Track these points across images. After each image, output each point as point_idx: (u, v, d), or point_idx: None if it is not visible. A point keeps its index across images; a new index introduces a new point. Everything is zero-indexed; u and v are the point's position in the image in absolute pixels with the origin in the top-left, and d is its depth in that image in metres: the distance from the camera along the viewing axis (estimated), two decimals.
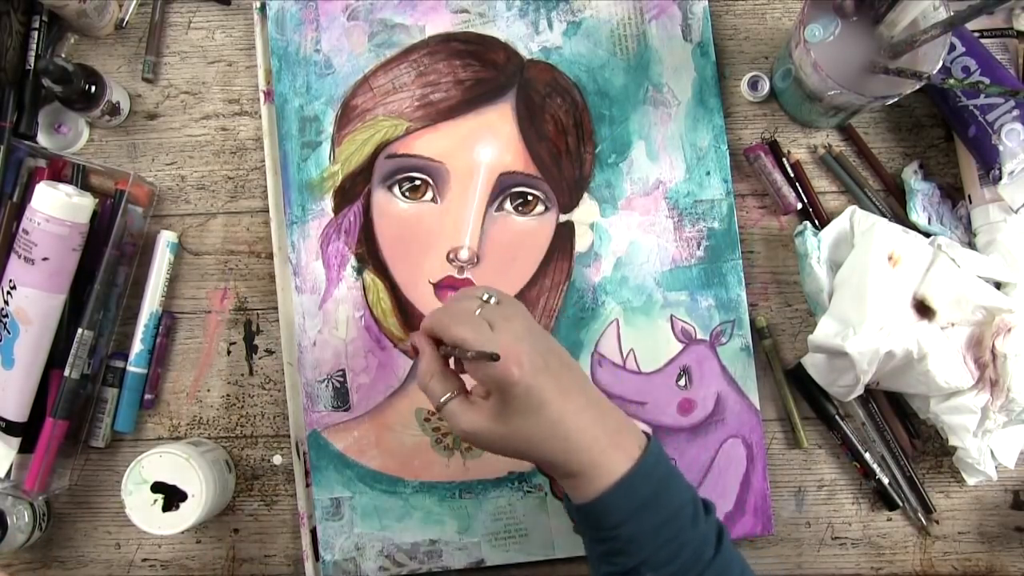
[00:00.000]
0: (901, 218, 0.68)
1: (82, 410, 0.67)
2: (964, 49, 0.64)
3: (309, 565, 0.67)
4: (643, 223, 0.69)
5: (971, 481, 0.65)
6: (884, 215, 0.68)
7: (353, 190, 0.69)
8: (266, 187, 0.70)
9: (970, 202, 0.67)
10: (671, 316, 0.68)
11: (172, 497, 0.63)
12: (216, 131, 0.71)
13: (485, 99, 0.69)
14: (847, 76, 0.60)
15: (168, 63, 0.72)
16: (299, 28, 0.70)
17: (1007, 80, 0.64)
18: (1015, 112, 0.62)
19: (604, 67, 0.70)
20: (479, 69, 0.69)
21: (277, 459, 0.69)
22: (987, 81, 0.58)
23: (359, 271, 0.68)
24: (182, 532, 0.63)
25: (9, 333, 0.64)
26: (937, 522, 0.69)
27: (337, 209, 0.69)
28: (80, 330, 0.65)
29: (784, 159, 0.70)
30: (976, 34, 0.67)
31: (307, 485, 0.68)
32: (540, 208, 0.69)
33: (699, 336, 0.68)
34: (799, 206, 0.69)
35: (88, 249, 0.66)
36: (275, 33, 0.70)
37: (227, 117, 0.72)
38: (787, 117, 0.71)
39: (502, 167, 0.68)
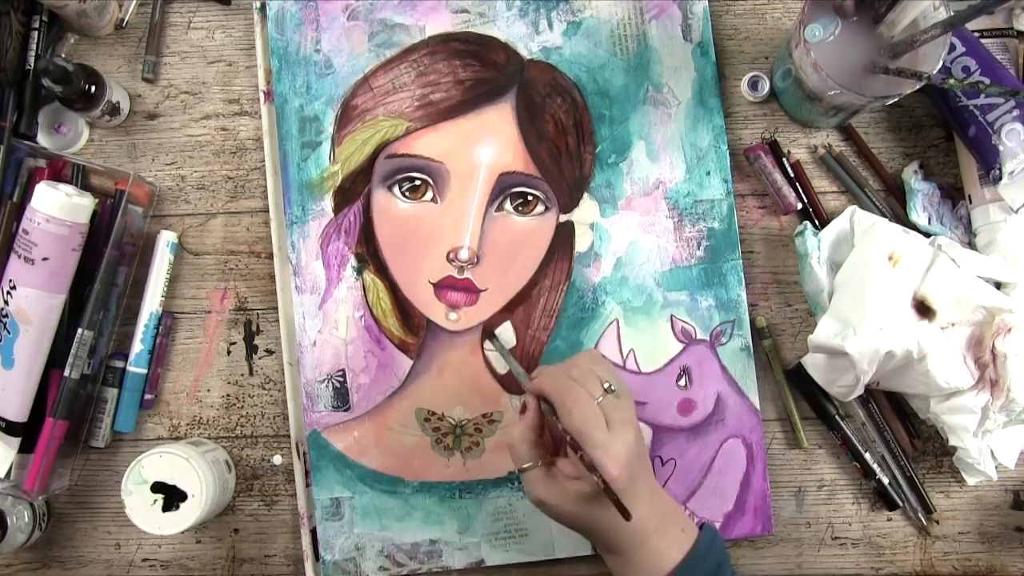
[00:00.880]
0: (901, 218, 0.68)
1: (82, 410, 0.67)
2: (964, 49, 0.64)
3: (309, 565, 0.67)
4: (643, 223, 0.69)
5: (971, 481, 0.65)
6: (884, 215, 0.68)
7: (353, 190, 0.69)
8: (266, 187, 0.70)
9: (970, 202, 0.67)
10: (671, 316, 0.68)
11: (172, 497, 0.63)
12: (216, 131, 0.71)
13: (485, 99, 0.69)
14: (847, 76, 0.60)
15: (168, 63, 0.72)
16: (299, 28, 0.70)
17: (1007, 80, 0.64)
18: (1015, 112, 0.62)
19: (604, 67, 0.70)
20: (479, 69, 0.69)
21: (277, 459, 0.69)
22: (987, 81, 0.58)
23: (359, 271, 0.68)
24: (182, 532, 0.63)
25: (9, 333, 0.64)
26: (937, 522, 0.69)
27: (337, 209, 0.69)
28: (80, 330, 0.65)
29: (784, 159, 0.70)
30: (976, 34, 0.67)
31: (307, 485, 0.68)
32: (540, 208, 0.69)
33: (699, 336, 0.68)
34: (799, 206, 0.69)
35: (88, 249, 0.66)
36: (275, 33, 0.70)
37: (227, 117, 0.72)
38: (787, 117, 0.71)
39: (502, 167, 0.68)
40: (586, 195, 0.69)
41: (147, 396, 0.69)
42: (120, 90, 0.70)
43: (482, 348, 0.68)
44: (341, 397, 0.68)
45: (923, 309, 0.62)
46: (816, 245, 0.66)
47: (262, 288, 0.70)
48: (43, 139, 0.70)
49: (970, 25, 0.62)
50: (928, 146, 0.70)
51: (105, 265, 0.66)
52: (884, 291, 0.61)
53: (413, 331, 0.68)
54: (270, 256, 0.70)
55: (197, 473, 0.62)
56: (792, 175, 0.69)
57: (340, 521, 0.67)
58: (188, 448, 0.64)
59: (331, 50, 0.70)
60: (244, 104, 0.72)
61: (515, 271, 0.68)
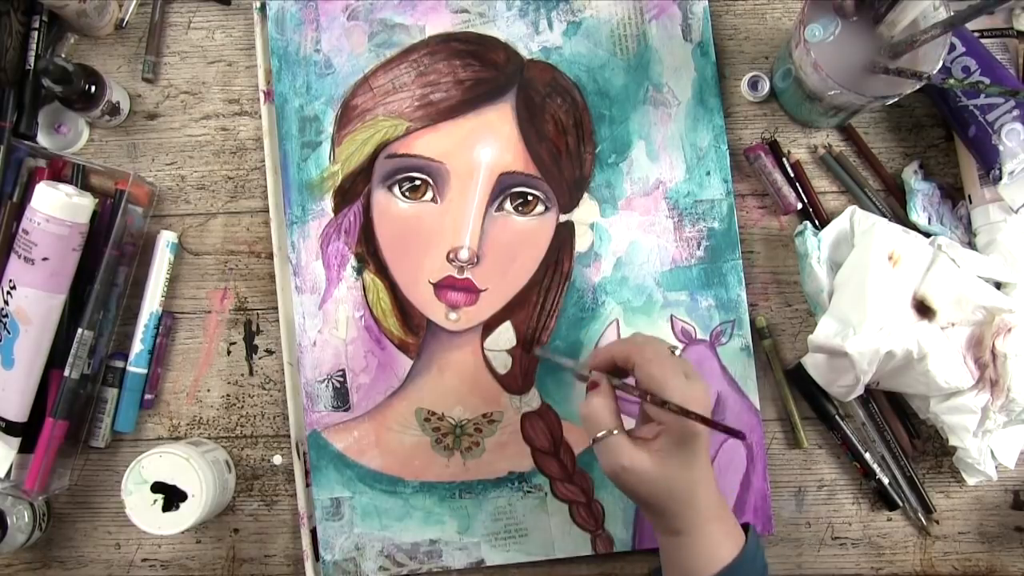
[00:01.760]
0: (901, 218, 0.68)
1: (82, 410, 0.67)
2: (964, 49, 0.64)
3: (309, 565, 0.67)
4: (643, 223, 0.69)
5: (971, 481, 0.65)
6: (884, 215, 0.68)
7: (353, 190, 0.69)
8: (266, 187, 0.70)
9: (970, 202, 0.67)
10: (671, 316, 0.68)
11: (172, 497, 0.63)
12: (216, 131, 0.71)
13: (485, 99, 0.69)
14: (847, 76, 0.60)
15: (168, 63, 0.72)
16: (299, 28, 0.70)
17: (1007, 80, 0.64)
18: (1015, 112, 0.62)
19: (604, 67, 0.70)
20: (479, 69, 0.69)
21: (277, 459, 0.69)
22: (987, 81, 0.58)
23: (359, 271, 0.68)
24: (182, 532, 0.63)
25: (9, 333, 0.64)
26: (937, 522, 0.69)
27: (337, 209, 0.69)
28: (80, 330, 0.65)
29: (784, 159, 0.70)
30: (976, 34, 0.67)
31: (307, 485, 0.68)
32: (540, 208, 0.69)
33: (699, 336, 0.68)
34: (799, 206, 0.69)
35: (88, 249, 0.66)
36: (275, 33, 0.70)
37: (227, 117, 0.72)
38: (787, 117, 0.71)
39: (502, 167, 0.68)
40: (586, 195, 0.69)
41: (147, 396, 0.69)
42: (120, 90, 0.70)
43: (482, 348, 0.68)
44: (341, 397, 0.68)
45: (923, 309, 0.62)
46: (816, 245, 0.66)
47: (262, 288, 0.70)
48: (43, 139, 0.70)
49: (970, 25, 0.62)
50: (928, 146, 0.70)
51: (105, 265, 0.66)
52: (884, 291, 0.61)
53: (413, 331, 0.68)
54: (270, 256, 0.70)
55: (197, 473, 0.62)
56: (792, 175, 0.69)
57: (340, 521, 0.67)
58: (188, 448, 0.64)
59: (331, 50, 0.70)
60: (244, 104, 0.72)
61: (515, 271, 0.68)
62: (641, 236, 0.69)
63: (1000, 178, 0.63)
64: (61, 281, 0.65)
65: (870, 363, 0.61)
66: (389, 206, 0.69)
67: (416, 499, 0.67)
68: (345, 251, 0.68)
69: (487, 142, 0.68)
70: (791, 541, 0.69)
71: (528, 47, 0.70)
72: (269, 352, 0.70)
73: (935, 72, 0.58)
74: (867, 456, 0.67)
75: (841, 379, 0.63)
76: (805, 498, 0.69)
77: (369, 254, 0.69)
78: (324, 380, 0.68)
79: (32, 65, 0.69)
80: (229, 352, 0.70)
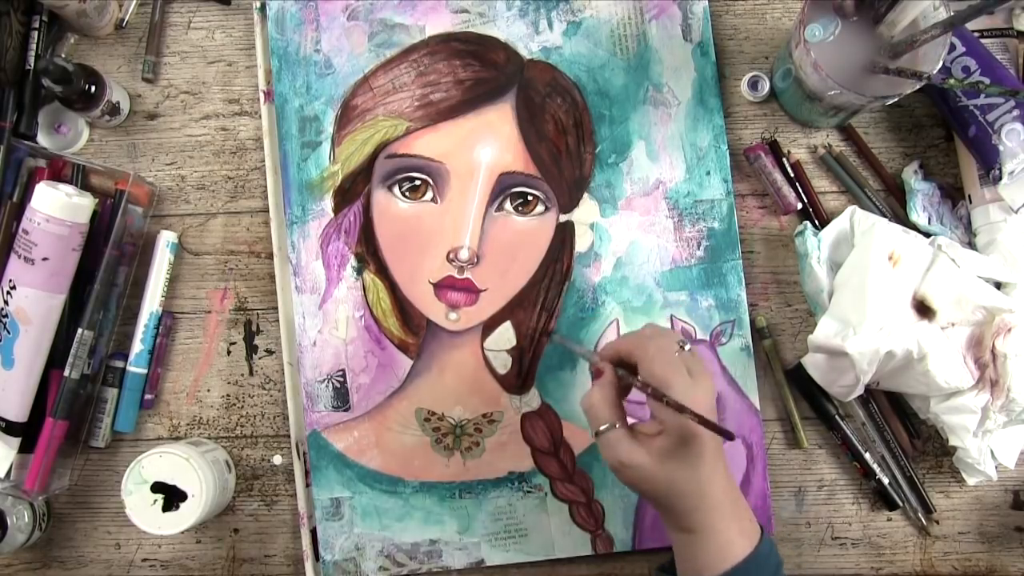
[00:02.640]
0: (901, 218, 0.68)
1: (82, 410, 0.67)
2: (964, 49, 0.64)
3: (309, 565, 0.67)
4: (643, 223, 0.69)
5: (971, 481, 0.65)
6: (884, 215, 0.68)
7: (353, 190, 0.69)
8: (266, 187, 0.70)
9: (970, 202, 0.67)
10: (671, 316, 0.68)
11: (172, 497, 0.63)
12: (216, 131, 0.71)
13: (485, 99, 0.69)
14: (847, 76, 0.60)
15: (168, 63, 0.72)
16: (299, 28, 0.70)
17: (1007, 80, 0.64)
18: (1015, 112, 0.62)
19: (604, 67, 0.70)
20: (479, 69, 0.69)
21: (277, 459, 0.69)
22: (987, 81, 0.58)
23: (359, 271, 0.68)
24: (182, 532, 0.63)
25: (9, 333, 0.64)
26: (937, 522, 0.69)
27: (337, 209, 0.69)
28: (80, 330, 0.65)
29: (784, 159, 0.70)
30: (976, 34, 0.67)
31: (307, 485, 0.68)
32: (540, 208, 0.69)
33: (699, 336, 0.68)
34: (799, 206, 0.69)
35: (88, 249, 0.66)
36: (275, 33, 0.70)
37: (227, 117, 0.72)
38: (787, 117, 0.71)
39: (502, 167, 0.68)
40: (586, 195, 0.69)
41: (147, 396, 0.69)
42: (120, 90, 0.70)
43: (482, 348, 0.68)
44: (341, 397, 0.68)
45: (923, 309, 0.62)
46: (816, 245, 0.66)
47: (262, 288, 0.70)
48: (43, 139, 0.70)
49: (970, 25, 0.62)
50: (928, 146, 0.70)
51: (105, 265, 0.66)
52: (884, 291, 0.61)
53: (413, 331, 0.68)
54: (270, 256, 0.70)
55: (197, 473, 0.62)
56: (792, 175, 0.69)
57: (340, 521, 0.67)
58: (188, 448, 0.64)
59: (331, 50, 0.70)
60: (244, 104, 0.72)
61: (515, 271, 0.68)
62: (641, 236, 0.69)
63: (1000, 178, 0.63)
64: (61, 281, 0.65)
65: (870, 363, 0.61)
66: (389, 206, 0.69)
67: (416, 499, 0.67)
68: (345, 251, 0.68)
69: (487, 142, 0.68)
70: (791, 541, 0.69)
71: (528, 47, 0.70)
72: (269, 352, 0.70)
73: (935, 72, 0.58)
74: (867, 456, 0.67)
75: (841, 379, 0.63)
76: (805, 498, 0.69)
77: (369, 254, 0.69)
78: (324, 380, 0.68)
79: (32, 65, 0.69)
80: (229, 352, 0.70)
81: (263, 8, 0.71)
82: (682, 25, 0.70)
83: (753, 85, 0.70)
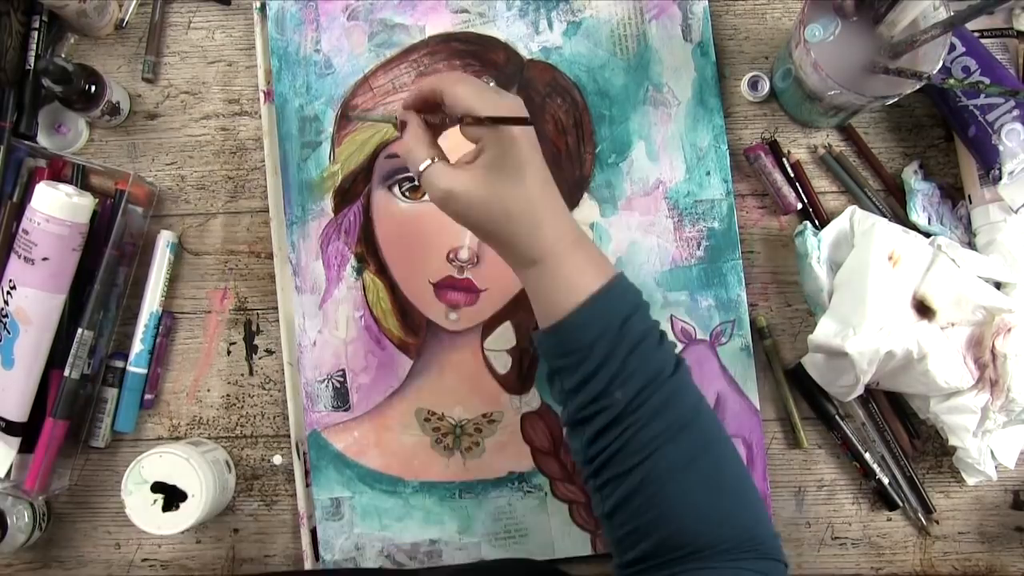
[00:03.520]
0: (901, 218, 0.68)
1: (82, 410, 0.67)
2: (964, 49, 0.64)
3: (309, 565, 0.67)
4: (643, 223, 0.69)
5: (971, 481, 0.64)
6: (884, 215, 0.68)
7: (353, 190, 0.69)
8: (266, 187, 0.70)
9: (970, 202, 0.67)
10: (671, 316, 0.68)
11: (172, 497, 0.63)
12: (216, 131, 0.71)
13: None
14: (847, 76, 0.60)
15: (168, 63, 0.72)
16: (299, 28, 0.70)
17: (1007, 80, 0.64)
18: (1015, 112, 0.62)
19: (604, 67, 0.70)
20: (479, 69, 0.69)
21: (277, 459, 0.69)
22: (987, 81, 0.58)
23: (359, 271, 0.68)
24: (182, 532, 0.63)
25: (9, 333, 0.64)
26: (937, 522, 0.69)
27: (337, 209, 0.69)
28: (80, 330, 0.65)
29: (784, 159, 0.70)
30: (976, 34, 0.67)
31: (307, 485, 0.68)
32: None
33: (699, 336, 0.68)
34: (799, 206, 0.69)
35: (88, 249, 0.66)
36: (275, 33, 0.70)
37: (227, 117, 0.72)
38: (787, 117, 0.71)
39: None
40: (586, 195, 0.69)
41: (147, 396, 0.69)
42: (120, 90, 0.70)
43: (482, 348, 0.68)
44: (341, 397, 0.68)
45: (923, 309, 0.62)
46: (816, 245, 0.66)
47: (262, 288, 0.70)
48: (43, 139, 0.70)
49: (970, 25, 0.62)
50: (928, 146, 0.70)
51: (105, 265, 0.66)
52: (884, 291, 0.61)
53: (413, 331, 0.68)
54: (270, 256, 0.70)
55: (197, 473, 0.62)
56: (792, 175, 0.69)
57: (340, 521, 0.67)
58: (188, 448, 0.64)
59: (331, 50, 0.70)
60: (244, 104, 0.72)
61: None
62: (641, 236, 0.69)
63: (1000, 178, 0.63)
64: (61, 281, 0.65)
65: (870, 363, 0.61)
66: (389, 206, 0.69)
67: (416, 499, 0.67)
68: (345, 251, 0.68)
69: None
70: (791, 541, 0.69)
71: (528, 47, 0.70)
72: (269, 352, 0.70)
73: (935, 72, 0.58)
74: (867, 456, 0.67)
75: (841, 379, 0.63)
76: (805, 498, 0.69)
77: (369, 254, 0.69)
78: (324, 380, 0.68)
79: (32, 65, 0.69)
80: (229, 352, 0.70)
81: (263, 8, 0.71)
82: (682, 25, 0.70)
83: (753, 85, 0.70)
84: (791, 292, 0.70)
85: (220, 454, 0.68)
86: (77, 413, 0.67)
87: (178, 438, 0.70)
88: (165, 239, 0.69)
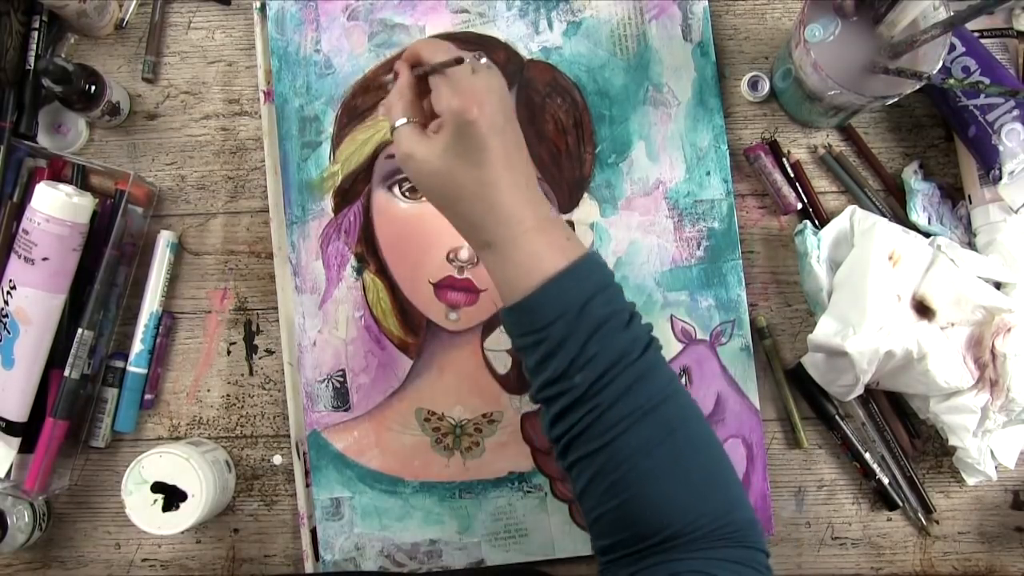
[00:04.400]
0: (901, 218, 0.68)
1: (82, 410, 0.67)
2: (964, 49, 0.64)
3: (309, 565, 0.67)
4: (643, 223, 0.69)
5: (971, 481, 0.65)
6: (884, 215, 0.68)
7: (353, 190, 0.69)
8: (266, 187, 0.70)
9: (970, 202, 0.67)
10: (671, 316, 0.68)
11: (172, 497, 0.63)
12: (216, 131, 0.72)
13: None
14: (847, 76, 0.60)
15: (168, 63, 0.72)
16: (299, 28, 0.70)
17: (1007, 80, 0.64)
18: (1015, 112, 0.62)
19: (604, 67, 0.70)
20: None
21: (277, 459, 0.69)
22: (987, 81, 0.58)
23: (359, 271, 0.68)
24: (182, 532, 0.63)
25: (9, 333, 0.64)
26: (937, 522, 0.69)
27: (337, 209, 0.69)
28: (80, 330, 0.65)
29: (784, 159, 0.70)
30: (976, 34, 0.67)
31: (307, 485, 0.68)
32: None
33: (699, 336, 0.68)
34: (799, 206, 0.69)
35: (88, 249, 0.66)
36: (275, 33, 0.70)
37: (227, 117, 0.72)
38: (787, 117, 0.71)
39: None
40: (586, 195, 0.69)
41: (147, 396, 0.69)
42: (120, 90, 0.70)
43: (482, 348, 0.68)
44: (341, 397, 0.68)
45: (923, 309, 0.62)
46: (816, 245, 0.66)
47: (262, 288, 0.70)
48: (43, 139, 0.70)
49: (970, 25, 0.62)
50: (928, 146, 0.70)
51: (105, 265, 0.66)
52: (884, 291, 0.61)
53: (413, 331, 0.68)
54: (270, 256, 0.70)
55: (197, 473, 0.62)
56: (792, 175, 0.69)
57: (340, 521, 0.67)
58: (188, 448, 0.64)
59: (331, 50, 0.70)
60: (244, 104, 0.72)
61: None
62: (641, 236, 0.69)
63: (1000, 178, 0.63)
64: (61, 281, 0.65)
65: (870, 363, 0.61)
66: (389, 206, 0.69)
67: (416, 499, 0.67)
68: (345, 251, 0.68)
69: None
70: (791, 541, 0.69)
71: (528, 47, 0.70)
72: (269, 352, 0.70)
73: (935, 72, 0.58)
74: (867, 456, 0.67)
75: (841, 379, 0.63)
76: (805, 498, 0.69)
77: (369, 254, 0.69)
78: (324, 380, 0.68)
79: (32, 65, 0.69)
80: (229, 352, 0.70)
81: (263, 8, 0.71)
82: (682, 25, 0.70)
83: (753, 85, 0.70)
84: (791, 292, 0.70)
85: (220, 454, 0.68)
86: (77, 413, 0.67)
87: (178, 438, 0.70)
88: (165, 239, 0.69)
